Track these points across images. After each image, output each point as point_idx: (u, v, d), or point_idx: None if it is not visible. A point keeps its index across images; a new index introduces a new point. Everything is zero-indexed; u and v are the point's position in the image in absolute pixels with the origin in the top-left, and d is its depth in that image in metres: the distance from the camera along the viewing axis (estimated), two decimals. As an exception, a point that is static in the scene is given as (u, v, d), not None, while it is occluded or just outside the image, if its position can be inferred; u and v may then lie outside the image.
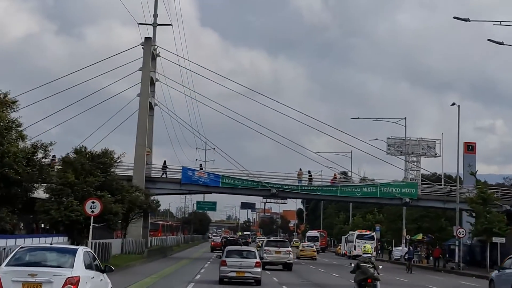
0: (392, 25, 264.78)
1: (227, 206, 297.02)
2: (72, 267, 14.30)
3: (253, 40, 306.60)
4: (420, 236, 67.21)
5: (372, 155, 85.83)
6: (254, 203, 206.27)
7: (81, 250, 15.19)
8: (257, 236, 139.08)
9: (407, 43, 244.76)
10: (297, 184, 60.17)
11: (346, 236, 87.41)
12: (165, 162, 61.83)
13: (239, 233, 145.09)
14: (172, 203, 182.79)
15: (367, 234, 79.44)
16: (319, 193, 60.70)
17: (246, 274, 28.46)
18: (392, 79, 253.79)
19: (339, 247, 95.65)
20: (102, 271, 16.25)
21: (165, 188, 59.98)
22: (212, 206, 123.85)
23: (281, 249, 42.17)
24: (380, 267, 20.42)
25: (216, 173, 59.79)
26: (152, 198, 58.87)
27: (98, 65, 64.90)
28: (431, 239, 68.25)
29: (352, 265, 20.05)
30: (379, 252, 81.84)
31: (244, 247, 34.65)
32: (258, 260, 29.21)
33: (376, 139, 70.32)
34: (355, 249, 79.03)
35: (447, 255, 61.57)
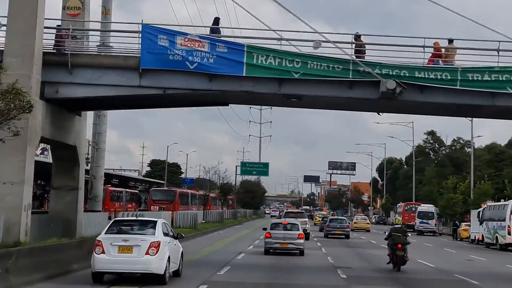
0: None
1: (289, 178, 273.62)
2: (154, 234, 18.17)
3: (313, 12, 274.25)
4: None
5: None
6: (318, 176, 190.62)
7: (159, 221, 19.03)
8: (322, 211, 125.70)
9: (471, 12, 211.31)
10: (446, 67, 22.87)
11: (481, 210, 51.10)
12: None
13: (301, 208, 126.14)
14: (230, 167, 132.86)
15: None
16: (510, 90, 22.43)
17: (290, 245, 30.74)
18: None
19: (463, 227, 58.44)
20: (176, 238, 20.01)
21: (98, 83, 22.37)
22: (263, 169, 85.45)
23: (298, 219, 42.05)
24: (409, 234, 25.78)
25: (235, 41, 23.10)
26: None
27: None
28: None
29: (386, 233, 25.07)
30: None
31: (288, 220, 35.18)
32: (301, 232, 31.50)
33: None
34: (509, 234, 44.19)
35: None
